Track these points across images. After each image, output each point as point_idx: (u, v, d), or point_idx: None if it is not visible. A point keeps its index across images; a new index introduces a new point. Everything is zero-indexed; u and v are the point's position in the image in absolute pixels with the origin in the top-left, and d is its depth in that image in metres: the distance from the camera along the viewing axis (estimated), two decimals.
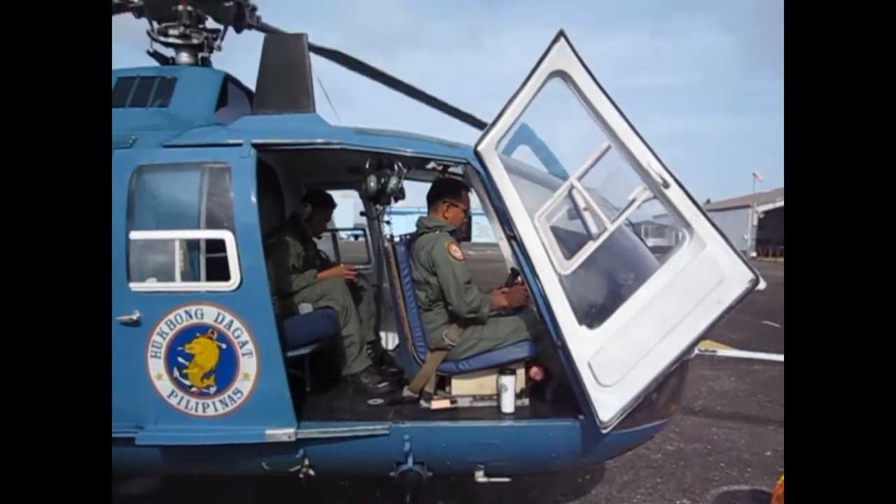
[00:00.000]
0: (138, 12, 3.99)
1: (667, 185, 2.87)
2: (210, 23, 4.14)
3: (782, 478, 3.39)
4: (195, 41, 3.98)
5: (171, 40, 3.97)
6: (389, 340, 5.04)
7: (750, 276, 2.85)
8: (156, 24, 3.98)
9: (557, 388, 3.45)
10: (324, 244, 5.04)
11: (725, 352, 8.60)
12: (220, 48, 4.25)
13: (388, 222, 4.13)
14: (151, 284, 3.13)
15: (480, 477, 3.27)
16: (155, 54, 4.04)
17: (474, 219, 4.20)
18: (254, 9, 4.20)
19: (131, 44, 4.34)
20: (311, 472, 3.32)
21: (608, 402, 2.93)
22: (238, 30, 4.24)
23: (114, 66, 3.72)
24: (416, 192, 4.53)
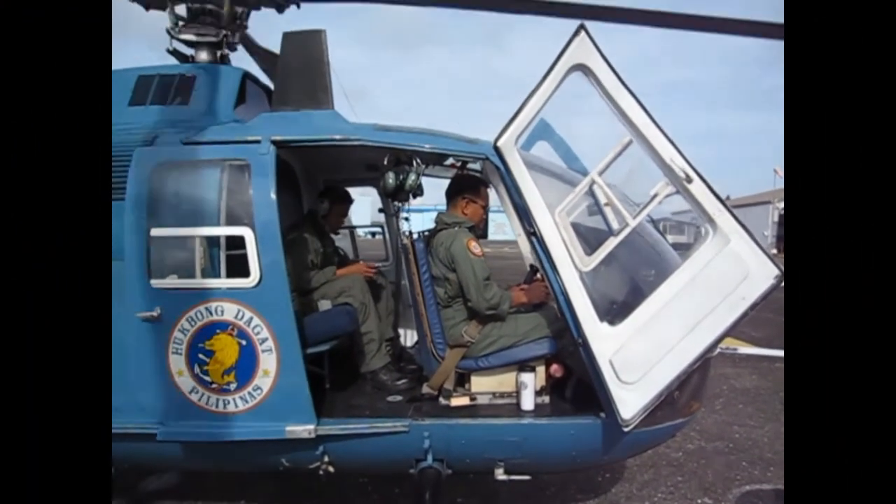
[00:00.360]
0: (150, 4, 3.99)
1: (690, 180, 2.82)
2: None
3: None
4: (214, 38, 3.99)
5: (190, 38, 3.98)
6: (408, 337, 5.04)
7: (775, 272, 2.79)
8: (177, 22, 3.99)
9: (578, 385, 3.43)
10: (342, 241, 5.05)
11: (747, 349, 8.52)
12: (246, 27, 4.22)
13: (406, 219, 4.12)
14: (172, 281, 3.15)
15: (500, 475, 3.26)
16: (175, 52, 4.06)
17: (491, 216, 4.18)
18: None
19: (151, 42, 4.38)
20: (331, 469, 3.33)
21: (630, 400, 2.90)
22: (280, 9, 4.19)
23: (134, 65, 3.77)
24: (435, 189, 4.52)
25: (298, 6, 4.08)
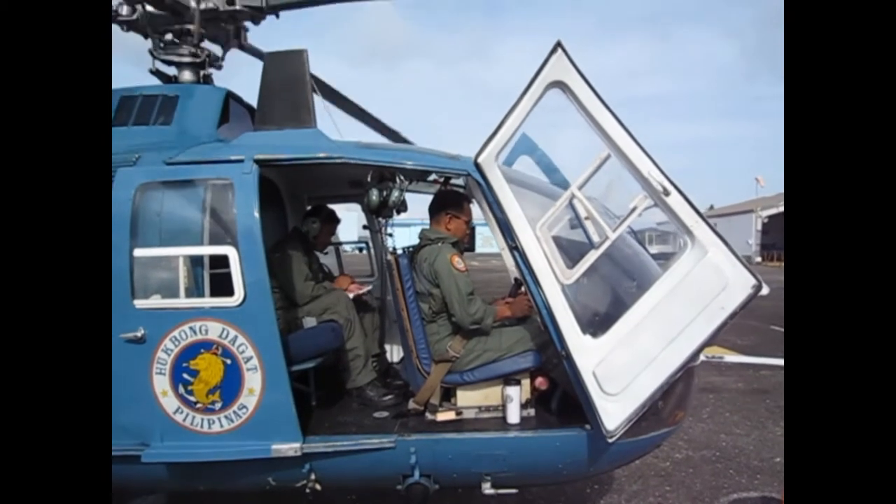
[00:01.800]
0: (140, 31, 4.03)
1: (667, 193, 2.88)
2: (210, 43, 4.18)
3: None
4: (197, 59, 4.01)
5: (172, 58, 4.01)
6: (394, 353, 5.04)
7: (753, 281, 2.84)
8: (158, 43, 4.02)
9: (563, 397, 3.44)
10: (328, 258, 5.05)
11: (733, 358, 8.54)
12: (220, 67, 4.29)
13: (390, 235, 4.14)
14: (156, 301, 3.14)
15: (487, 489, 3.26)
16: (157, 73, 4.07)
17: (478, 229, 4.20)
18: (246, 30, 4.25)
19: (134, 62, 4.39)
20: (318, 487, 3.31)
21: (614, 411, 2.92)
22: (256, 21, 4.24)
23: (116, 85, 3.78)
24: (419, 204, 4.55)
25: (277, 16, 4.14)
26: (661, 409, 3.19)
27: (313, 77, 3.62)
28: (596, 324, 3.03)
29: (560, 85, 2.92)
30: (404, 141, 4.98)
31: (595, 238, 3.10)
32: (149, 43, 4.03)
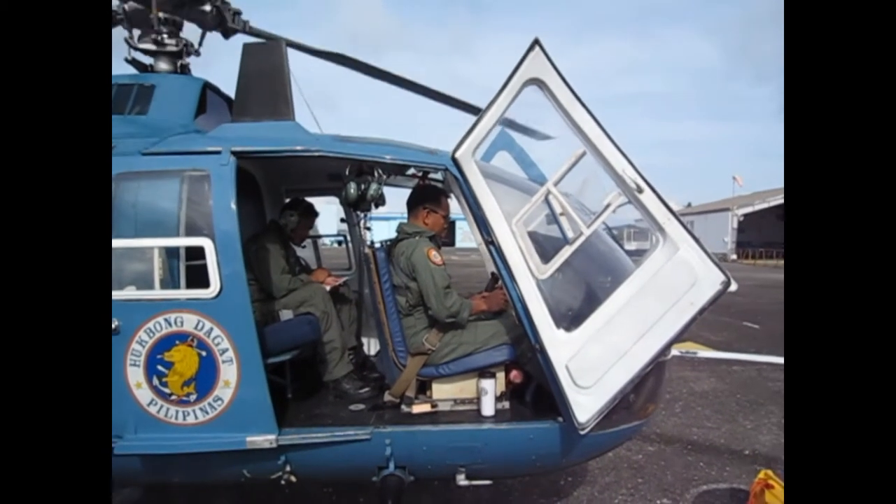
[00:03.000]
0: (118, 21, 3.98)
1: (640, 190, 2.92)
2: (192, 29, 4.14)
3: (760, 475, 3.46)
4: (173, 48, 3.97)
5: (149, 47, 3.96)
6: (371, 346, 5.05)
7: (722, 278, 2.91)
8: (134, 32, 3.97)
9: (537, 390, 3.49)
10: (305, 252, 5.04)
11: (706, 353, 8.73)
12: (198, 53, 4.25)
13: (368, 228, 4.15)
14: (130, 293, 3.12)
15: (462, 480, 3.29)
16: (133, 62, 4.03)
17: (458, 224, 4.22)
18: (237, 13, 4.20)
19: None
20: (293, 479, 3.31)
21: (586, 404, 2.97)
22: (225, 35, 4.24)
23: None
24: (398, 199, 4.56)
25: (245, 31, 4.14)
26: (632, 403, 3.25)
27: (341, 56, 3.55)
28: (569, 318, 3.07)
29: (537, 82, 2.95)
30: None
31: (570, 234, 3.14)
32: (124, 32, 3.98)
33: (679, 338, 2.97)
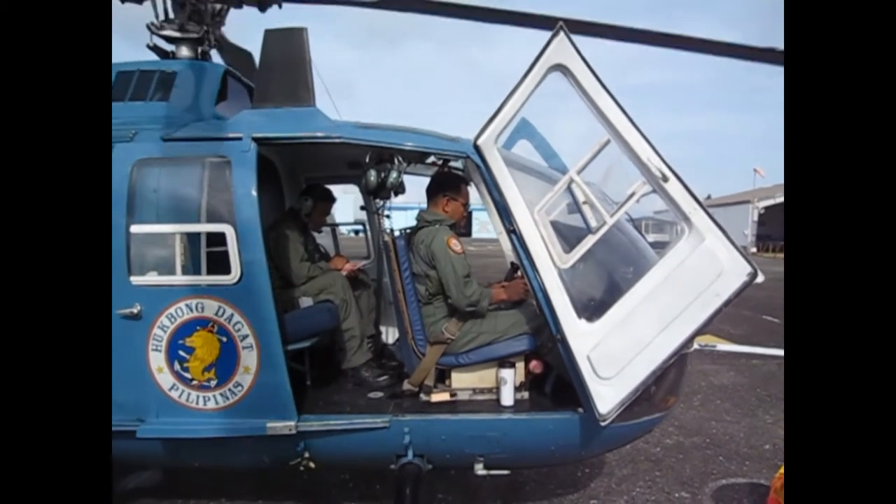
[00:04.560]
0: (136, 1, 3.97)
1: (666, 179, 2.87)
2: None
3: (780, 471, 3.41)
4: (195, 35, 3.97)
5: (170, 34, 3.96)
6: (390, 334, 5.05)
7: (748, 269, 2.85)
8: (155, 18, 3.97)
9: (556, 381, 3.47)
10: (323, 238, 5.05)
11: (725, 346, 8.64)
12: (220, 45, 4.23)
13: (387, 216, 4.14)
14: (152, 278, 3.14)
15: (480, 470, 3.29)
16: (155, 48, 4.03)
17: (475, 214, 4.18)
18: None
19: (131, 38, 4.33)
20: (312, 465, 3.34)
21: (607, 395, 2.95)
22: (262, 8, 4.15)
23: (113, 61, 3.74)
24: (417, 187, 4.54)
25: (280, 6, 4.07)
26: (653, 395, 3.21)
27: None
28: (591, 308, 3.04)
29: (561, 68, 2.90)
30: None
31: (592, 223, 3.10)
32: (146, 18, 3.98)
33: (703, 330, 2.93)
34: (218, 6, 4.03)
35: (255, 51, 3.56)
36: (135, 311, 3.07)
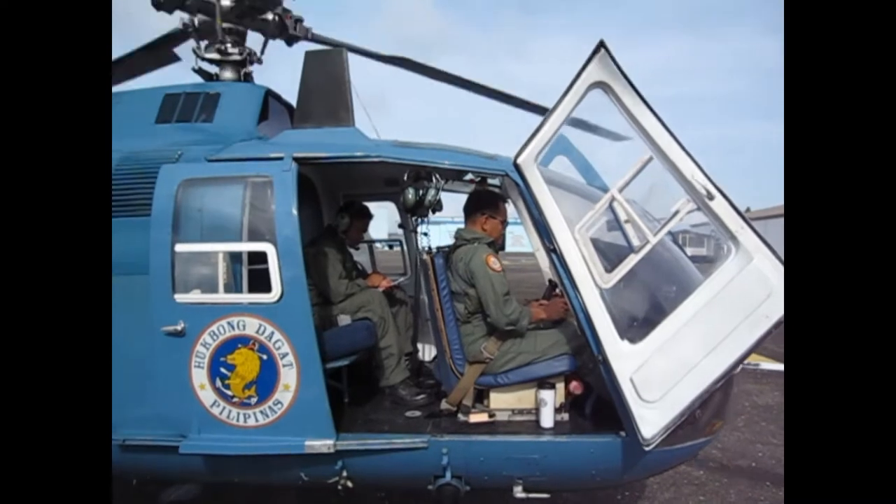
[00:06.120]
0: (184, 34, 4.12)
1: (711, 197, 2.81)
2: (256, 38, 4.25)
3: None
4: (237, 57, 4.07)
5: (214, 57, 4.07)
6: (426, 351, 5.04)
7: None
8: (200, 43, 4.09)
9: (597, 402, 3.39)
10: (360, 255, 5.08)
11: (769, 365, 8.36)
12: (260, 61, 4.34)
13: (425, 234, 4.14)
14: (196, 296, 3.19)
15: (519, 492, 3.23)
16: (200, 71, 4.15)
17: (508, 228, 4.16)
18: (298, 20, 4.28)
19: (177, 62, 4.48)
20: (350, 484, 3.33)
21: (651, 419, 2.86)
22: (288, 43, 4.33)
23: (160, 83, 3.87)
24: (451, 202, 4.54)
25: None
26: (698, 418, 3.12)
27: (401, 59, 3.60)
28: (634, 329, 2.97)
29: (602, 85, 2.87)
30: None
31: (635, 242, 3.04)
32: (192, 43, 4.11)
33: (752, 352, 2.83)
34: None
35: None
36: (179, 328, 3.13)
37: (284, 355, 3.12)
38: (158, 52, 4.30)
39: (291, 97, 4.37)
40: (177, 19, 4.11)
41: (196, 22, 4.03)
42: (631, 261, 2.88)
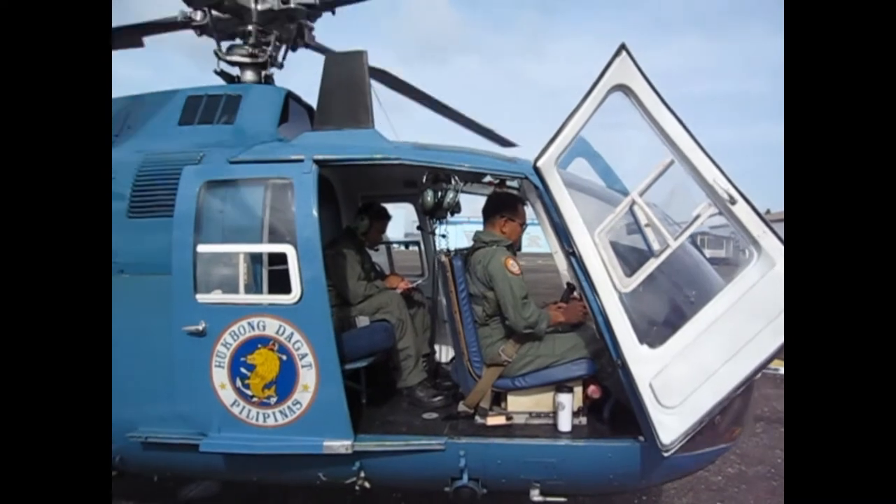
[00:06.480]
0: (203, 30, 4.16)
1: (733, 202, 2.78)
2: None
3: None
4: (259, 60, 4.11)
5: (235, 59, 4.11)
6: (444, 353, 5.04)
7: None
8: (222, 45, 4.13)
9: (616, 407, 3.37)
10: (378, 256, 5.10)
11: None
12: (281, 65, 4.38)
13: (443, 236, 4.15)
14: (217, 296, 3.23)
15: (536, 496, 3.22)
16: (221, 73, 4.19)
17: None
18: (310, 29, 4.33)
19: (199, 63, 4.53)
20: (367, 485, 3.35)
21: (670, 425, 2.84)
22: (294, 49, 4.37)
23: (183, 85, 3.92)
24: (469, 203, 4.54)
25: (334, 13, 4.25)
26: (717, 424, 3.08)
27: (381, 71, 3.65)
28: (654, 334, 2.95)
29: (623, 88, 2.86)
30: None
31: (655, 246, 3.02)
32: (213, 44, 4.15)
33: (774, 358, 2.80)
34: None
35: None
36: (200, 328, 3.16)
37: (304, 356, 3.15)
38: (133, 36, 4.36)
39: (311, 100, 4.43)
40: (168, 8, 4.17)
41: (215, 23, 4.06)
42: (651, 265, 2.86)
